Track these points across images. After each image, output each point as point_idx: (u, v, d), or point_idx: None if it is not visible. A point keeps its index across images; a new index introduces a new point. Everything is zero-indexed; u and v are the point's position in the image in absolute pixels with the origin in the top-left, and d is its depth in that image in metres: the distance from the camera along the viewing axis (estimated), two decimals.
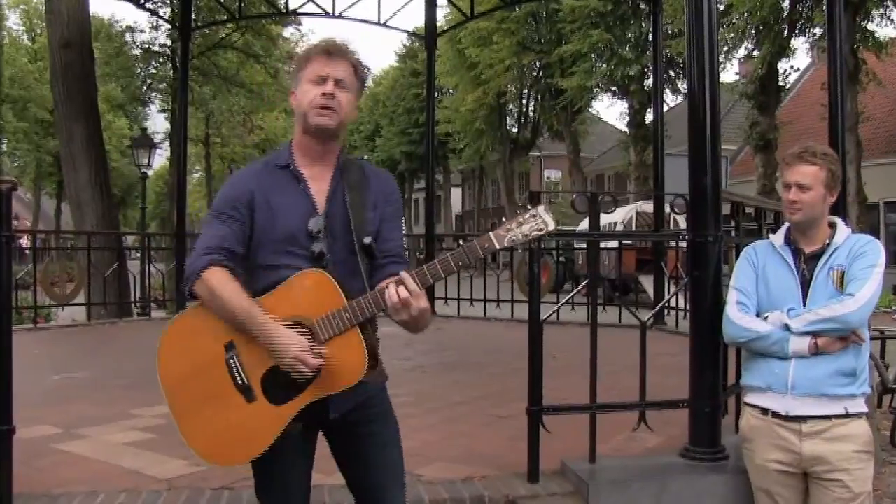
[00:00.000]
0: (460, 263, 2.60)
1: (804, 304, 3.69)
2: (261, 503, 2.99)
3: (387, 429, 3.00)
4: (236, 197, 2.85)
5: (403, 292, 2.56)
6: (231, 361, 2.70)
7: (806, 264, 3.76)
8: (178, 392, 2.77)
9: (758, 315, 3.79)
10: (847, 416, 3.67)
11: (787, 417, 3.70)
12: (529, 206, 2.62)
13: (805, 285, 3.73)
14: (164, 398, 2.79)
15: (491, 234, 2.60)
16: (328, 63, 2.83)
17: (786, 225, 3.91)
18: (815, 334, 3.62)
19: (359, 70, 2.92)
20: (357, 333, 2.64)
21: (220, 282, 2.70)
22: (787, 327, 3.66)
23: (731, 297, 3.89)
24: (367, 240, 2.82)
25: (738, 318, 3.80)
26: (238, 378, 2.70)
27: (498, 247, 2.58)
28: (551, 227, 2.58)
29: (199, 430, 2.75)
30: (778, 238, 3.88)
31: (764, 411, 3.78)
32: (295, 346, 2.59)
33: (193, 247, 2.87)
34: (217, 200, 2.91)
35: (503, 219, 48.84)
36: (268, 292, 2.73)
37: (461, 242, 2.71)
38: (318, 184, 2.89)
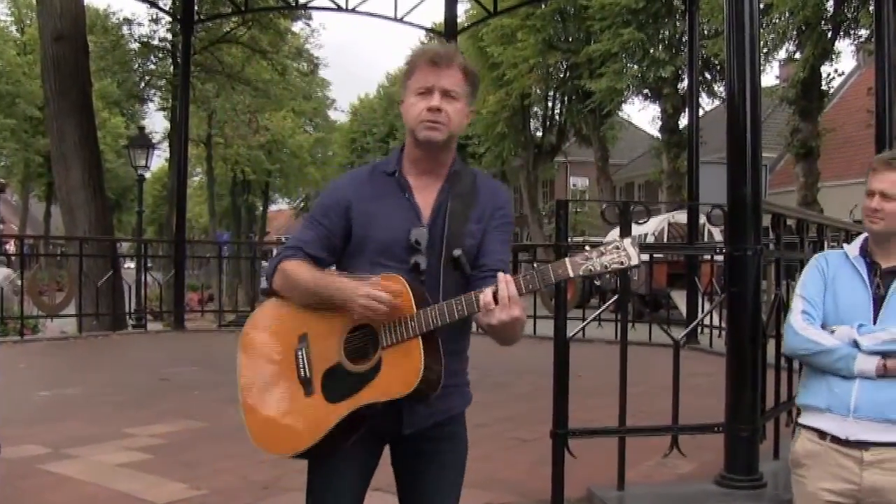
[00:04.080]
0: (531, 287, 2.63)
1: (874, 322, 3.64)
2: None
3: (453, 452, 3.05)
4: (330, 205, 2.99)
5: (503, 291, 2.58)
6: (299, 352, 2.85)
7: (882, 279, 3.69)
8: (247, 370, 2.97)
9: (822, 328, 3.75)
10: None
11: (846, 443, 3.60)
12: (616, 239, 2.58)
13: (878, 301, 3.64)
14: (237, 371, 2.99)
15: (567, 260, 2.60)
16: (434, 73, 2.88)
17: (862, 235, 3.85)
18: (885, 355, 3.56)
19: (468, 75, 2.95)
20: (418, 343, 2.68)
21: (294, 266, 2.90)
22: (855, 344, 3.58)
23: (797, 305, 3.79)
24: (457, 252, 2.85)
25: (803, 328, 3.70)
26: (302, 370, 2.84)
27: (572, 274, 2.58)
28: (635, 262, 2.55)
29: (257, 412, 2.92)
30: (853, 249, 3.80)
31: (822, 435, 3.66)
32: (363, 286, 2.68)
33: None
34: (314, 205, 3.07)
35: (526, 228, 48.34)
36: None
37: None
38: (425, 194, 2.95)
